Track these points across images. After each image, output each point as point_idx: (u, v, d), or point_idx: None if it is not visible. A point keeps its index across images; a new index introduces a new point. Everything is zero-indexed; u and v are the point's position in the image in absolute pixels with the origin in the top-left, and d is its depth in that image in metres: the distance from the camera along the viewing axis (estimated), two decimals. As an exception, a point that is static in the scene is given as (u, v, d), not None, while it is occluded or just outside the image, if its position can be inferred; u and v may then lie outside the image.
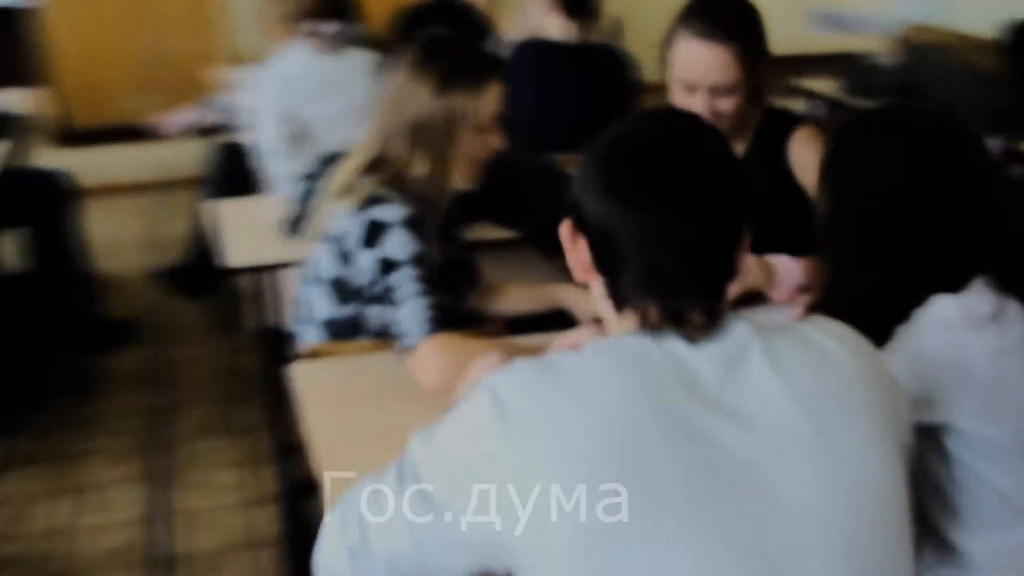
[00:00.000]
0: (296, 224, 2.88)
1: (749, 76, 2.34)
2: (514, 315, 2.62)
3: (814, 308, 1.63)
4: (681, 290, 1.25)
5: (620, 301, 1.30)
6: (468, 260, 2.56)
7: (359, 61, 3.76)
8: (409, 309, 2.11)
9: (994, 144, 3.97)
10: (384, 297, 2.16)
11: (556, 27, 3.68)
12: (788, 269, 2.34)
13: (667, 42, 2.40)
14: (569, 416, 1.17)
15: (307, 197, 2.81)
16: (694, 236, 1.25)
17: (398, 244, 2.14)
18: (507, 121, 2.29)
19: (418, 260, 2.14)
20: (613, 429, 1.16)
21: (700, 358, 1.22)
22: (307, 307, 2.36)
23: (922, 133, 1.61)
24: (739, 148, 2.47)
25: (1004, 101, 4.30)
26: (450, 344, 2.06)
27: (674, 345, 1.23)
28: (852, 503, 1.20)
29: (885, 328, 1.53)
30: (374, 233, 2.15)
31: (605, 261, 1.30)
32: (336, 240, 2.22)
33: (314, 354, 2.26)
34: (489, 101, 2.22)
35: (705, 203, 1.26)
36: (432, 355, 2.04)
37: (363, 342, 2.29)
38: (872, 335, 1.35)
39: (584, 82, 3.66)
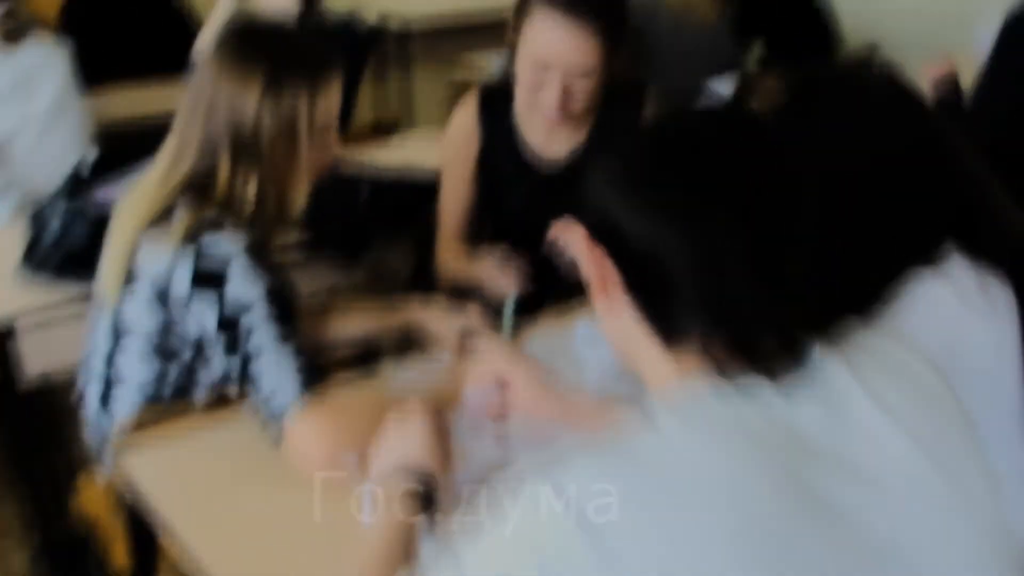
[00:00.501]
0: (38, 260, 2.45)
1: (610, 58, 2.14)
2: (352, 343, 2.26)
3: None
4: (757, 319, 1.02)
5: (670, 333, 1.06)
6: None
7: (41, 56, 3.19)
8: (270, 362, 1.66)
9: (725, 88, 4.01)
10: (231, 349, 1.70)
11: (274, 2, 3.43)
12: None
13: (520, 11, 2.15)
14: (684, 525, 0.92)
15: (40, 225, 2.42)
16: (777, 259, 1.03)
17: (242, 280, 1.70)
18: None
19: (273, 296, 1.71)
20: (741, 527, 0.92)
21: (798, 407, 1.01)
22: (107, 367, 1.90)
23: (874, 97, 1.45)
24: (582, 129, 2.33)
25: (727, 49, 4.28)
26: (335, 409, 1.65)
27: (762, 394, 1.00)
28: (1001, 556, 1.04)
29: (858, 307, 1.34)
30: (208, 271, 1.71)
31: (648, 285, 1.06)
32: (152, 284, 1.77)
33: (137, 428, 1.84)
34: (330, 97, 1.85)
35: (791, 219, 1.04)
36: (316, 431, 1.63)
37: (195, 408, 1.88)
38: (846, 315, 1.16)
39: None
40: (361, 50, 3.73)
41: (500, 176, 2.41)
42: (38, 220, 2.49)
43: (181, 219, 1.74)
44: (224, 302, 1.69)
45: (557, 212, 2.23)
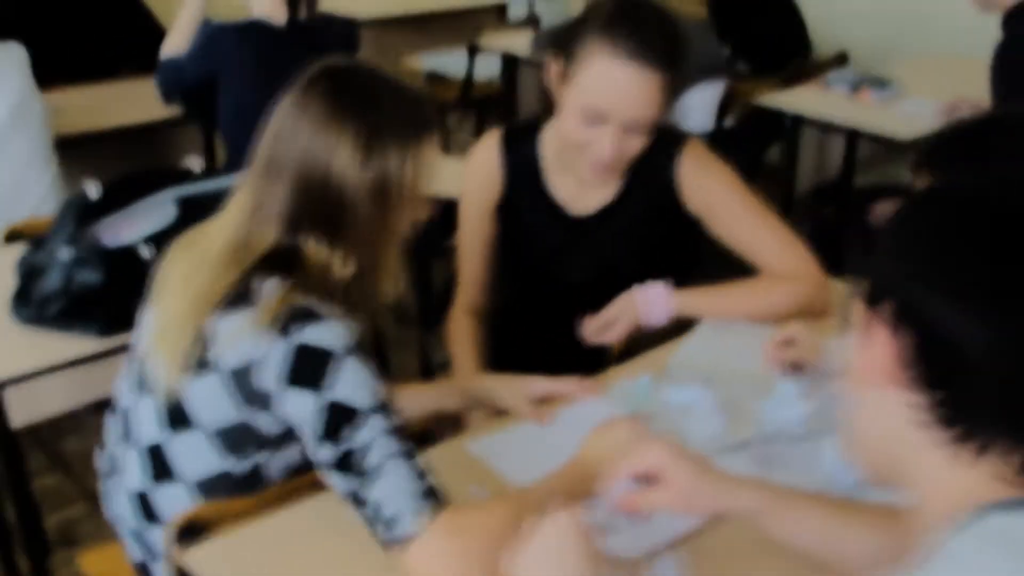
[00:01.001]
0: (35, 307, 2.22)
1: (666, 110, 1.97)
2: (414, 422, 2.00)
3: None
4: None
5: (970, 438, 0.96)
6: None
7: None
8: (393, 485, 1.42)
9: (716, 90, 4.14)
10: (343, 468, 1.45)
11: (263, 5, 3.30)
12: (654, 312, 2.10)
13: (571, 54, 1.95)
14: None
15: (34, 269, 2.20)
16: None
17: (352, 383, 1.45)
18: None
19: (388, 404, 1.47)
20: None
21: None
22: (153, 460, 1.65)
23: None
24: (613, 181, 2.17)
25: (712, 46, 4.27)
26: (462, 528, 1.44)
27: None
28: None
29: None
30: (310, 366, 1.45)
31: (953, 381, 0.96)
32: (232, 374, 1.51)
33: (193, 525, 1.60)
34: (427, 157, 1.60)
35: None
36: (444, 556, 1.42)
37: (263, 494, 1.64)
38: None
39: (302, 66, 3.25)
40: (353, 51, 3.56)
41: (525, 223, 2.25)
42: (29, 263, 2.26)
43: (269, 300, 1.49)
44: (330, 407, 1.44)
45: (589, 264, 2.22)
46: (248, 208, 1.57)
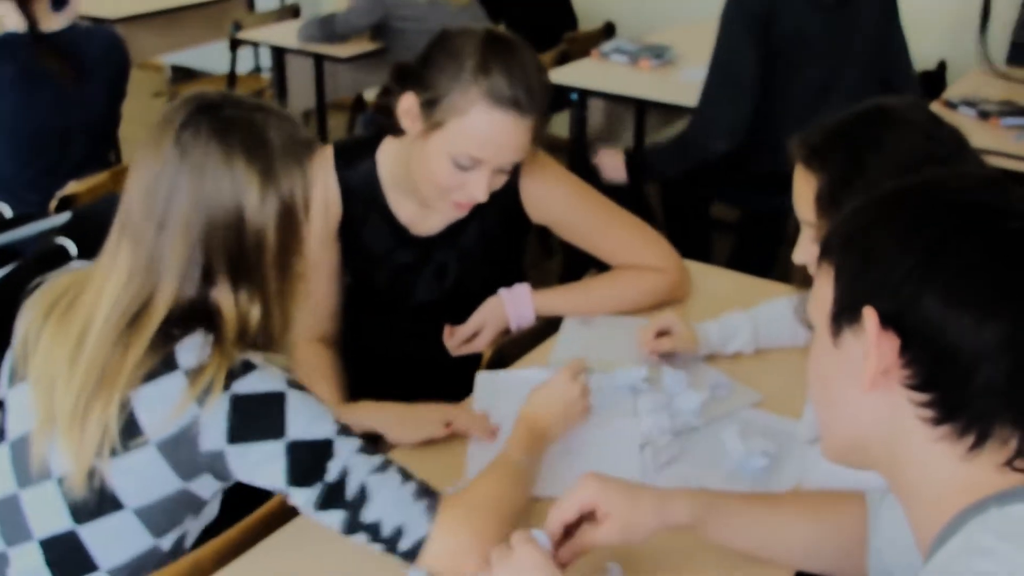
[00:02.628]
0: None
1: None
2: None
3: None
4: None
5: (976, 436, 0.98)
6: None
7: None
8: (381, 499, 1.39)
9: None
10: (329, 503, 1.38)
11: (11, 19, 3.13)
12: (519, 313, 2.11)
13: (438, 96, 1.85)
14: None
15: None
16: None
17: (307, 417, 1.38)
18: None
19: (343, 426, 1.41)
20: None
21: None
22: (59, 552, 1.44)
23: None
24: None
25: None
26: (468, 511, 1.44)
27: None
28: None
29: None
30: (261, 415, 1.36)
31: (961, 385, 0.97)
32: (170, 444, 1.37)
33: None
34: (316, 180, 1.51)
35: None
36: (461, 545, 1.41)
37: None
38: None
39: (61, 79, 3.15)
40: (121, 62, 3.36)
41: (367, 245, 2.13)
42: None
43: (200, 360, 1.36)
44: (295, 448, 1.37)
45: (436, 284, 2.15)
46: (138, 268, 1.40)
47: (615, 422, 1.81)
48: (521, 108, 1.83)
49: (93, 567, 1.44)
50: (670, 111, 4.29)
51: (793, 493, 1.63)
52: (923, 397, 0.99)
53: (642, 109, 4.11)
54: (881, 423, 1.03)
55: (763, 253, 3.68)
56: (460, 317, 2.11)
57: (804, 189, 1.53)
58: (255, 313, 1.42)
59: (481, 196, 1.90)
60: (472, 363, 2.05)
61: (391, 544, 1.40)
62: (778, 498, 1.58)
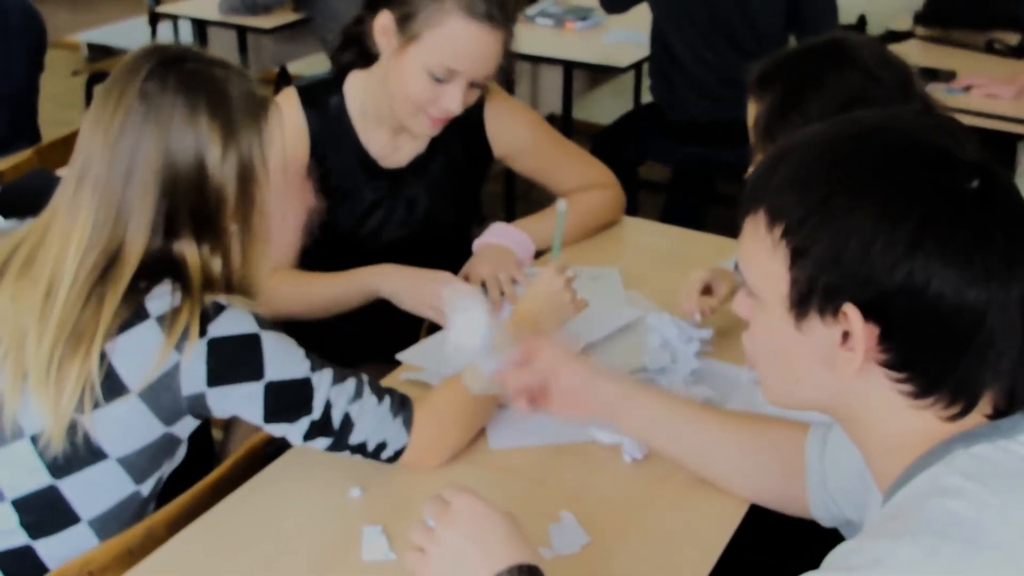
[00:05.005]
0: None
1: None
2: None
3: None
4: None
5: (953, 389, 0.98)
6: None
7: None
8: (363, 424, 1.51)
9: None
10: (317, 434, 1.50)
11: None
12: (519, 241, 2.16)
13: (412, 11, 1.92)
14: None
15: None
16: None
17: (283, 357, 1.46)
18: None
19: (316, 361, 1.50)
20: None
21: None
22: (36, 510, 1.44)
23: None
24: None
25: None
26: (438, 409, 1.59)
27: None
28: None
29: None
30: (239, 357, 1.42)
31: (945, 343, 0.96)
32: (151, 391, 1.40)
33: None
34: (274, 137, 1.52)
35: None
36: (434, 445, 1.59)
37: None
38: None
39: None
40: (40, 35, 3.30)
41: (336, 182, 2.14)
42: None
43: (172, 308, 1.39)
44: (276, 389, 1.45)
45: (407, 217, 2.19)
46: (105, 219, 1.41)
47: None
48: (494, 20, 1.91)
49: (74, 519, 1.45)
50: (597, 73, 4.31)
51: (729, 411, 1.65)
52: (903, 375, 0.98)
53: (569, 72, 4.12)
54: (850, 393, 1.02)
55: (692, 209, 3.72)
56: (428, 255, 2.11)
57: (751, 114, 1.58)
58: (217, 266, 1.45)
59: (456, 108, 1.97)
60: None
61: (374, 455, 1.54)
62: (715, 409, 1.59)
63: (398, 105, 2.01)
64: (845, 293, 0.95)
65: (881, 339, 0.96)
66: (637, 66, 4.18)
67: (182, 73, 1.43)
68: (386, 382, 1.70)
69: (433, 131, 2.05)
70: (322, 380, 1.48)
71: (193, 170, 1.41)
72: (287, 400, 1.46)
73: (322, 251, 2.16)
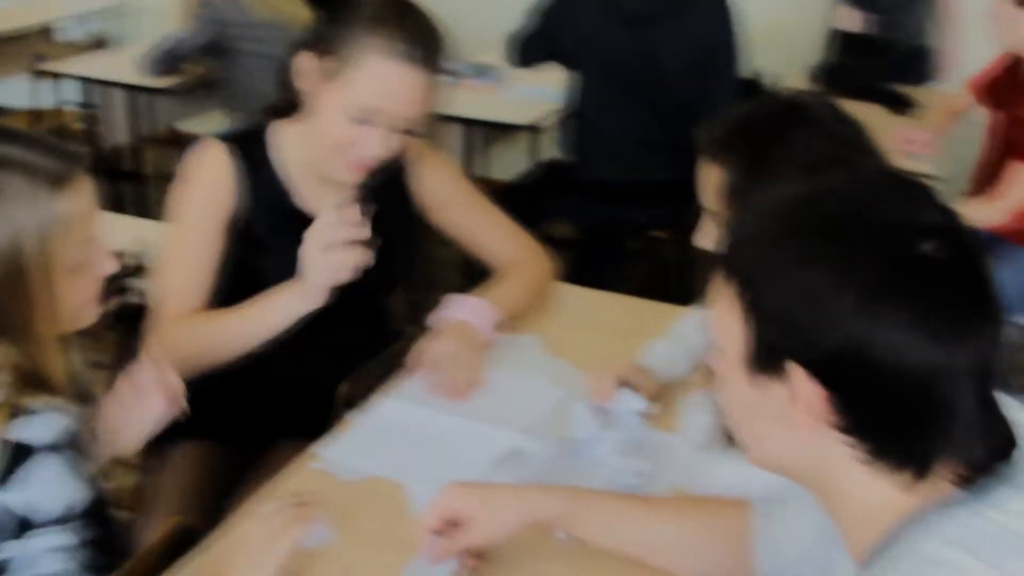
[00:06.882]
0: None
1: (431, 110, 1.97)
2: None
3: None
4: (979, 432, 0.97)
5: (881, 456, 0.98)
6: None
7: None
8: None
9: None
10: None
11: None
12: (478, 311, 2.07)
13: (336, 50, 1.87)
14: None
15: None
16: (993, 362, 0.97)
17: (42, 488, 1.32)
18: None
19: (74, 517, 1.35)
20: None
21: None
22: None
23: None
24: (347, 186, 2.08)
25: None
26: None
27: (1007, 498, 0.96)
28: None
29: None
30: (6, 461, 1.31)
31: (880, 415, 0.96)
32: None
33: None
34: (72, 217, 1.37)
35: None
36: None
37: None
38: None
39: None
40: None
41: (268, 240, 2.05)
42: None
43: None
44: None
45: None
46: None
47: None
48: (415, 61, 1.86)
49: None
50: (495, 130, 4.31)
51: (671, 496, 1.63)
52: (853, 440, 0.98)
53: (469, 129, 4.11)
54: (811, 455, 1.01)
55: (603, 268, 3.72)
56: (355, 314, 2.05)
57: (708, 179, 1.55)
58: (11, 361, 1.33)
59: (378, 151, 1.90)
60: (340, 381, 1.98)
61: None
62: (654, 499, 1.59)
63: (321, 150, 1.94)
64: (789, 352, 0.96)
65: (830, 401, 0.95)
66: (534, 124, 4.18)
67: None
68: (294, 466, 1.64)
69: (356, 177, 1.96)
70: (53, 538, 1.32)
71: None
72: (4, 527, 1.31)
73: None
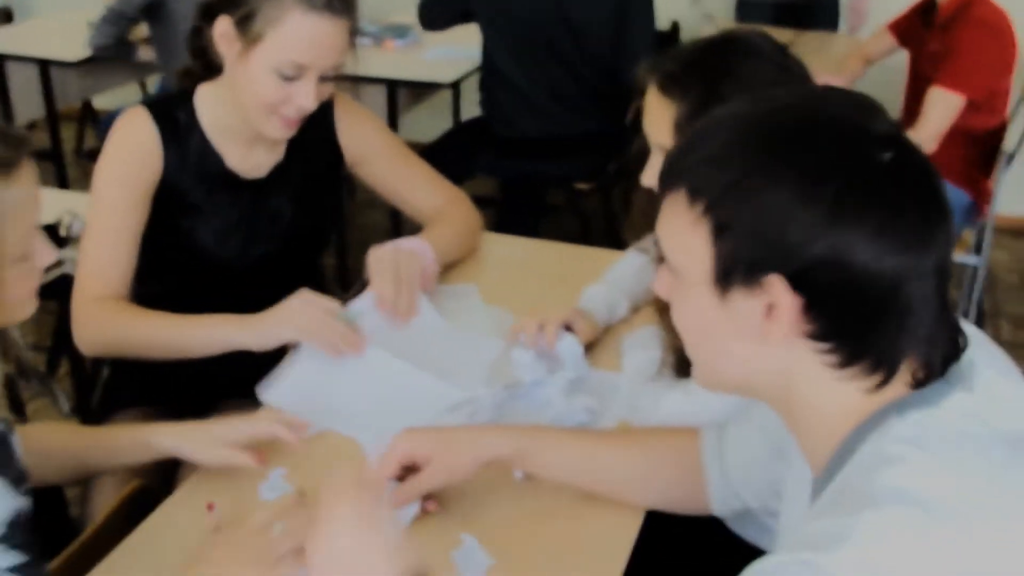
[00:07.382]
0: None
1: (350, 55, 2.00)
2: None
3: None
4: (938, 333, 1.02)
5: (876, 360, 1.00)
6: None
7: None
8: None
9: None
10: None
11: None
12: (418, 246, 2.08)
13: (251, 13, 1.87)
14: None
15: None
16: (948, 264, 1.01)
17: None
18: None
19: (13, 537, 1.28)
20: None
21: (980, 401, 1.00)
22: None
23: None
24: (279, 145, 2.12)
25: None
26: None
27: (958, 399, 0.99)
28: None
29: None
30: None
31: (870, 313, 0.98)
32: None
33: None
34: (26, 195, 1.31)
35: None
36: None
37: None
38: None
39: None
40: None
41: (195, 200, 2.05)
42: None
43: None
44: None
45: (273, 231, 2.11)
46: None
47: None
48: (334, 9, 1.87)
49: None
50: (417, 90, 4.30)
51: (620, 429, 1.67)
52: (827, 346, 1.00)
53: (393, 90, 4.09)
54: (777, 368, 1.03)
55: (525, 222, 3.74)
56: (292, 271, 2.06)
57: (660, 115, 1.57)
58: None
59: (310, 104, 1.91)
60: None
61: None
62: (604, 432, 1.63)
63: (250, 111, 1.94)
64: (769, 265, 0.97)
65: (805, 310, 0.98)
66: (455, 83, 4.18)
67: None
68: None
69: (288, 132, 1.98)
70: None
71: None
72: None
73: (184, 273, 2.09)
